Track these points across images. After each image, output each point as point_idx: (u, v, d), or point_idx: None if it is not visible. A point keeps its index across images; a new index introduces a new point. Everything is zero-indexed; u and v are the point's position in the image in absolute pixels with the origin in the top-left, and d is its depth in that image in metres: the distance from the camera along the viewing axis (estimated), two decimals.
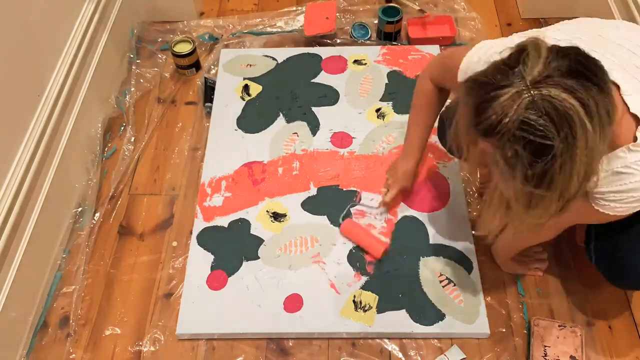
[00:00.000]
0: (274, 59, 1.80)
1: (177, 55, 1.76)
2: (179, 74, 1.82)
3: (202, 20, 1.96)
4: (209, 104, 1.70)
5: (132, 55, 1.85)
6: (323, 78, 1.73)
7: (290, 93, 1.70)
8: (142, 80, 1.78)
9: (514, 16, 1.95)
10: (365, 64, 1.77)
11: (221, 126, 1.63)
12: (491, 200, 0.89)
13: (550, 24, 1.91)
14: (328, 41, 1.87)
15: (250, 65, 1.79)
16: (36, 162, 1.30)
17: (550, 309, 1.28)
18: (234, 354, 1.25)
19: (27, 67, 1.31)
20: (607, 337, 1.24)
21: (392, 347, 1.25)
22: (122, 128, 1.66)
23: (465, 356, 1.21)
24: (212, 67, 1.80)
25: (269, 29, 1.92)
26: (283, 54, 1.82)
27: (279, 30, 1.91)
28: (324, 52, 1.81)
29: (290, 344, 1.25)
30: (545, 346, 1.18)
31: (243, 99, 1.69)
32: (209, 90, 1.73)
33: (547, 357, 1.17)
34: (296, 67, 1.77)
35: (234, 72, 1.77)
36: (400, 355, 1.23)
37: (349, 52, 1.81)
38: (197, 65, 1.81)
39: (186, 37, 1.80)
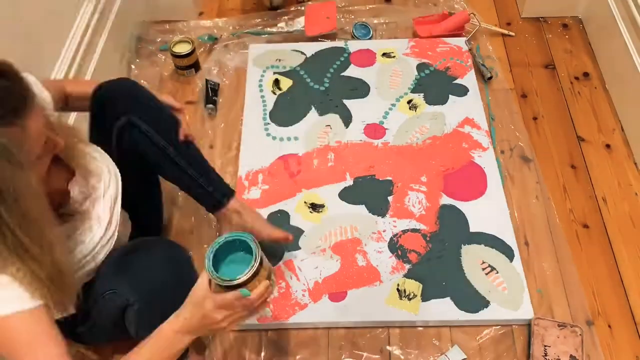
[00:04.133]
0: (302, 53, 1.72)
1: (176, 56, 1.66)
2: (178, 74, 1.72)
3: (202, 21, 1.86)
4: (210, 106, 1.60)
5: (131, 55, 1.75)
6: (352, 71, 1.65)
7: (320, 86, 1.64)
8: (141, 81, 1.67)
9: (514, 15, 1.88)
10: (394, 56, 1.69)
11: (254, 120, 1.54)
12: None
13: (550, 24, 1.81)
14: (327, 40, 1.78)
15: (280, 59, 1.70)
16: None
17: (550, 308, 1.21)
18: (236, 350, 1.17)
19: (26, 67, 1.19)
20: (607, 336, 1.18)
21: (392, 348, 1.18)
22: None
23: (465, 356, 1.15)
24: (213, 68, 1.71)
25: (268, 29, 1.82)
26: (311, 48, 1.73)
27: (281, 30, 1.82)
28: (352, 45, 1.73)
29: (291, 341, 1.19)
30: (546, 346, 1.12)
31: (274, 93, 1.61)
32: (210, 92, 1.63)
33: (547, 357, 1.11)
34: (325, 60, 1.69)
35: (264, 67, 1.69)
36: (400, 354, 1.17)
37: (377, 46, 1.73)
38: (196, 66, 1.71)
39: (185, 38, 1.70)
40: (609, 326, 1.19)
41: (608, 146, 1.52)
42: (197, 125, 1.59)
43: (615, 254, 1.31)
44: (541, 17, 1.87)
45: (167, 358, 0.80)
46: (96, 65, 1.52)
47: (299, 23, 1.83)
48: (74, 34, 1.44)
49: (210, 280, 0.78)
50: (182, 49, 1.67)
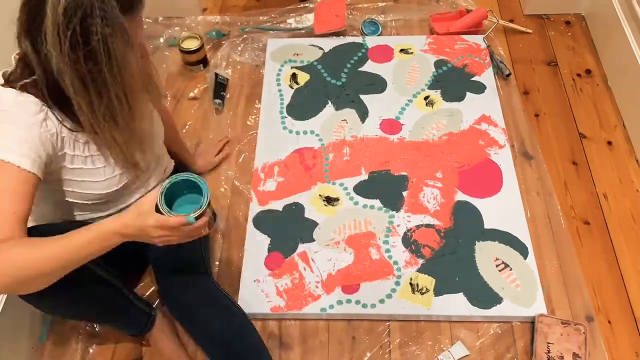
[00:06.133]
0: (320, 48, 1.67)
1: (185, 52, 1.61)
2: (186, 70, 1.67)
3: (209, 17, 1.81)
4: (217, 101, 1.56)
5: None
6: (370, 67, 1.62)
7: (337, 81, 1.61)
8: None
9: (516, 12, 1.83)
10: (412, 53, 1.66)
11: (271, 114, 1.51)
12: None
13: (552, 21, 1.77)
14: (336, 37, 1.73)
15: (297, 54, 1.66)
16: None
17: (550, 304, 1.19)
18: None
19: None
20: (607, 332, 1.15)
21: (395, 343, 1.15)
22: None
23: (469, 353, 1.11)
24: (221, 63, 1.67)
25: (277, 26, 1.78)
26: (329, 43, 1.69)
27: (290, 27, 1.78)
28: (370, 41, 1.69)
29: (292, 339, 1.17)
30: (549, 343, 1.09)
31: (291, 87, 1.58)
32: (219, 87, 1.58)
33: (550, 354, 1.07)
34: (342, 55, 1.66)
35: (281, 61, 1.66)
36: (402, 350, 1.14)
37: (395, 42, 1.69)
38: (204, 62, 1.66)
39: (194, 34, 1.65)
40: (609, 322, 1.16)
41: (610, 143, 1.48)
42: (203, 119, 1.56)
43: (615, 251, 1.28)
44: (544, 15, 1.81)
45: (95, 250, 0.80)
46: None
47: (308, 20, 1.78)
48: None
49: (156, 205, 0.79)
50: (191, 44, 1.62)
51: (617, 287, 1.22)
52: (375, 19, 1.78)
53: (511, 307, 1.17)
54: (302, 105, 1.55)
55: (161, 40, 1.76)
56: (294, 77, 1.63)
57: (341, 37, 1.74)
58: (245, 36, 1.76)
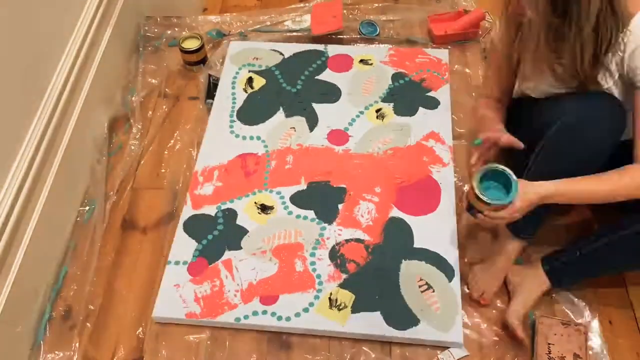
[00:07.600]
0: (280, 53, 1.66)
1: (185, 52, 1.63)
2: (186, 70, 1.68)
3: (209, 16, 1.82)
4: (209, 100, 1.56)
5: (140, 50, 1.73)
6: (327, 75, 1.58)
7: (292, 88, 1.59)
8: (147, 76, 1.66)
9: None
10: (371, 64, 1.61)
11: (221, 117, 1.50)
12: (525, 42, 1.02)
13: None
14: (334, 37, 1.73)
15: (257, 58, 1.65)
16: (39, 158, 1.18)
17: (551, 304, 1.17)
18: (236, 347, 1.15)
19: (29, 63, 1.18)
20: (607, 333, 1.13)
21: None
22: (128, 124, 1.54)
23: (468, 353, 1.10)
24: (217, 62, 1.67)
25: (275, 27, 1.78)
26: (290, 49, 1.67)
27: (287, 28, 1.78)
28: (331, 49, 1.66)
29: (293, 339, 1.16)
30: (550, 344, 1.08)
31: (246, 91, 1.56)
32: (211, 87, 1.59)
33: (550, 355, 1.07)
34: (301, 62, 1.64)
35: (240, 65, 1.64)
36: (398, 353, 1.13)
37: (356, 52, 1.65)
38: (204, 62, 1.67)
39: (194, 34, 1.67)
40: (609, 322, 1.15)
41: None
42: (202, 119, 1.57)
43: None
44: None
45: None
46: (101, 61, 1.49)
47: (306, 21, 1.77)
48: (78, 29, 1.41)
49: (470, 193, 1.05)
50: (191, 44, 1.64)
51: (617, 287, 1.21)
52: (373, 20, 1.77)
53: (427, 330, 1.13)
54: (253, 111, 1.54)
55: (161, 40, 1.78)
56: (249, 81, 1.62)
57: (303, 43, 1.73)
58: (243, 37, 1.79)
